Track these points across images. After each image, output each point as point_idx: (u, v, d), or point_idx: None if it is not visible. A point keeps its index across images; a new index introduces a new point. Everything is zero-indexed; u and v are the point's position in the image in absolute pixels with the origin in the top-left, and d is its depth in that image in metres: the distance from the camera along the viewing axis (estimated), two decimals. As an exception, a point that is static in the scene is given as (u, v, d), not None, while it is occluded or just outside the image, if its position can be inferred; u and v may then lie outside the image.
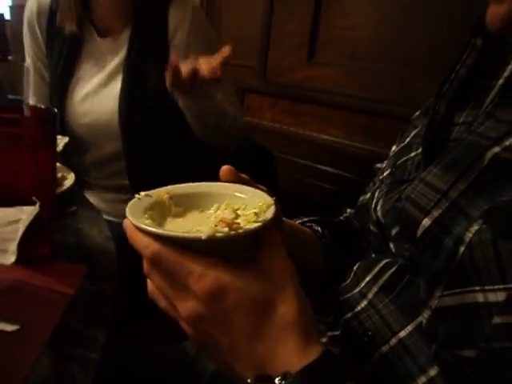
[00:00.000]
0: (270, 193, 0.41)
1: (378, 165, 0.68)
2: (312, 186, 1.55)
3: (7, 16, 3.07)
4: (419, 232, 0.43)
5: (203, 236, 0.32)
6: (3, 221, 0.55)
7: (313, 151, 1.55)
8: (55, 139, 0.62)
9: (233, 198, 0.40)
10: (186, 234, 0.34)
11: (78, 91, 1.03)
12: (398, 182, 0.54)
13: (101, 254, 0.63)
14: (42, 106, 0.62)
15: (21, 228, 0.52)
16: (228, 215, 0.35)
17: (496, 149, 0.39)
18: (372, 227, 0.58)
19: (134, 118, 0.99)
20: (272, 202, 0.37)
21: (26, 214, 0.54)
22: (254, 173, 0.45)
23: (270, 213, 0.36)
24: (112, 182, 1.09)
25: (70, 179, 0.81)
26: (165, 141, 1.05)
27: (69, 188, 0.78)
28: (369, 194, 0.66)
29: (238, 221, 0.35)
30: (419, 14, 1.37)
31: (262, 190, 0.42)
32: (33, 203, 0.57)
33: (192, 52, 0.87)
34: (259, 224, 0.34)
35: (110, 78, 1.02)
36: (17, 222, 0.54)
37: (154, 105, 1.00)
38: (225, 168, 0.42)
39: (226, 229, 0.33)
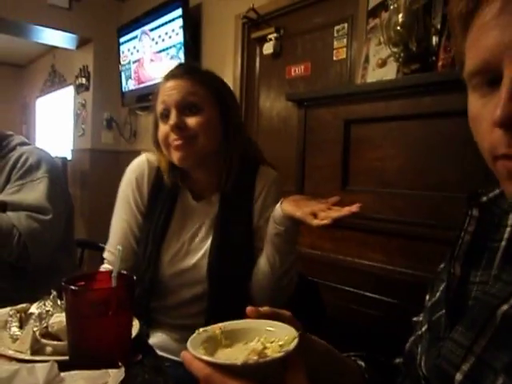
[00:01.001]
0: (298, 326, 0.53)
1: (415, 318, 0.71)
2: (357, 313, 1.55)
3: (69, 157, 3.53)
4: None
5: (239, 363, 0.44)
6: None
7: (354, 277, 1.59)
8: (134, 301, 0.70)
9: (267, 332, 0.52)
10: (227, 362, 0.46)
11: (170, 245, 1.16)
12: (435, 339, 0.58)
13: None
14: (126, 273, 0.71)
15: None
16: (257, 347, 0.47)
17: (505, 307, 0.45)
18: (422, 381, 0.60)
19: (222, 267, 1.12)
20: (296, 335, 0.48)
21: (112, 377, 0.59)
22: (301, 304, 0.54)
23: (293, 345, 0.47)
24: (188, 322, 1.14)
25: (135, 327, 0.87)
26: (245, 279, 1.16)
27: (135, 336, 0.84)
28: (412, 347, 0.68)
29: (267, 351, 0.47)
30: (445, 142, 1.48)
31: (294, 324, 0.54)
32: (115, 363, 0.63)
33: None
34: (282, 354, 0.46)
35: (200, 235, 1.17)
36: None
37: (238, 254, 1.15)
38: (248, 309, 0.55)
39: (256, 357, 0.45)
